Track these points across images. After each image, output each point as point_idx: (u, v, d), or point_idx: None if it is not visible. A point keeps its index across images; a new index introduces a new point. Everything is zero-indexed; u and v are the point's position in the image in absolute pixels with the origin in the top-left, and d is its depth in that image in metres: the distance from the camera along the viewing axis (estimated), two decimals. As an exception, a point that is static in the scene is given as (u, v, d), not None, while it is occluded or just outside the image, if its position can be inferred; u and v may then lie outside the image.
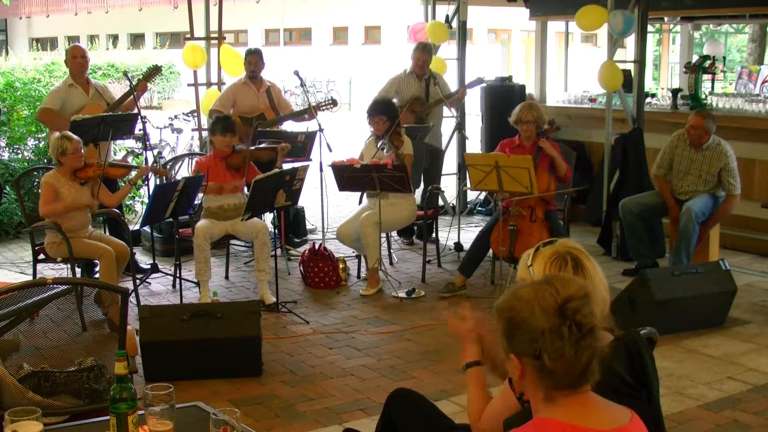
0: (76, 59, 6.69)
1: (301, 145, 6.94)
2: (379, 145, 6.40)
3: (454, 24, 8.73)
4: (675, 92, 8.53)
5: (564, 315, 1.78)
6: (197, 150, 8.99)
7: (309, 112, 7.21)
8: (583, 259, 2.38)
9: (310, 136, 6.96)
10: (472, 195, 9.09)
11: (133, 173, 6.24)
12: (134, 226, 7.63)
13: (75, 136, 5.60)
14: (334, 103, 7.48)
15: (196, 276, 5.88)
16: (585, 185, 7.76)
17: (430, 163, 7.68)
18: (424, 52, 7.70)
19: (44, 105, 6.72)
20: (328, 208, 7.16)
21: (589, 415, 1.83)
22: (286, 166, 6.22)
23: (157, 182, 7.22)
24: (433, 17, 8.83)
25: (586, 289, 1.85)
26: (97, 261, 5.67)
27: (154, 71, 6.99)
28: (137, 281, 6.06)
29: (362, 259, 6.59)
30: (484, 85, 8.57)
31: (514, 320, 1.82)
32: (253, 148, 6.30)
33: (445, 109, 8.03)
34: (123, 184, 6.74)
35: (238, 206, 6.01)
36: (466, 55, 8.88)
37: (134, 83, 6.70)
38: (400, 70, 7.85)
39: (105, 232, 6.33)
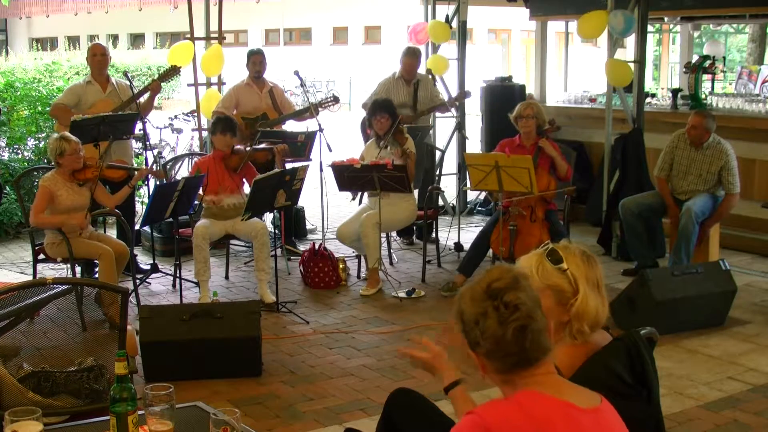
0: (96, 57, 6.71)
1: (301, 145, 6.94)
2: (381, 144, 6.40)
3: (454, 24, 8.73)
4: (675, 92, 8.54)
5: (491, 297, 1.89)
6: (197, 150, 8.99)
7: (310, 111, 7.21)
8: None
9: (310, 136, 6.96)
10: (472, 195, 9.09)
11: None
12: (134, 226, 7.61)
13: (73, 137, 5.59)
14: (336, 100, 7.46)
15: (196, 276, 5.88)
16: (584, 185, 7.78)
17: (430, 163, 7.69)
18: (413, 57, 7.69)
19: (58, 100, 6.77)
20: (328, 208, 7.16)
21: (564, 393, 1.91)
22: (286, 166, 6.23)
23: (157, 183, 7.22)
24: (433, 17, 8.83)
25: (514, 273, 1.96)
26: (97, 261, 5.67)
27: (172, 71, 6.99)
28: (137, 281, 6.06)
29: (362, 259, 6.59)
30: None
31: (459, 315, 1.96)
32: (249, 149, 6.31)
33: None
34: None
35: (237, 206, 6.01)
36: (466, 55, 8.88)
37: (136, 83, 6.72)
38: (388, 73, 7.85)
39: (105, 232, 6.34)
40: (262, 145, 6.53)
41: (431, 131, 8.05)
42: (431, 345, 2.61)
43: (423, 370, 2.64)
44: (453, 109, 8.19)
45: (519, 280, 1.93)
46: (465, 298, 1.95)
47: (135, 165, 7.11)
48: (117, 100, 6.65)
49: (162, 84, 6.85)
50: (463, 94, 8.16)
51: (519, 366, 1.91)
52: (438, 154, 8.02)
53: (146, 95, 6.71)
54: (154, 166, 8.03)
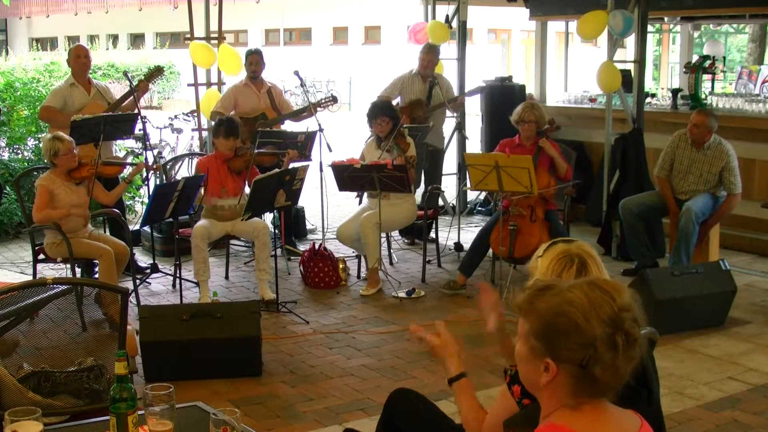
0: (80, 59, 6.70)
1: (301, 145, 6.94)
2: (382, 146, 6.39)
3: (454, 24, 8.73)
4: (675, 92, 8.54)
5: (616, 324, 1.72)
6: (197, 150, 8.99)
7: (309, 110, 7.21)
8: (590, 263, 2.38)
9: (310, 136, 6.96)
10: (472, 195, 9.09)
11: (128, 170, 6.24)
12: (134, 226, 7.63)
13: (67, 137, 5.58)
14: (334, 100, 7.46)
15: (195, 276, 5.88)
16: (580, 181, 7.77)
17: (431, 163, 7.69)
18: (431, 53, 7.70)
19: (46, 103, 6.74)
20: (328, 208, 7.16)
21: (602, 424, 1.80)
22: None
23: (157, 182, 7.23)
24: (433, 17, 8.83)
25: (635, 296, 1.80)
26: (97, 261, 5.67)
27: (156, 72, 6.99)
28: (137, 281, 6.06)
29: (362, 259, 6.59)
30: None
31: (564, 326, 1.73)
32: (257, 151, 6.28)
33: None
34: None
35: (238, 207, 6.00)
36: (466, 55, 8.87)
37: (135, 83, 6.71)
38: (405, 70, 7.85)
39: (105, 232, 6.34)
40: (269, 150, 6.50)
41: (435, 131, 8.03)
42: (444, 331, 2.57)
43: (430, 355, 2.57)
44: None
45: (639, 304, 1.79)
46: (581, 309, 1.72)
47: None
48: (103, 102, 6.65)
49: (149, 84, 6.85)
50: (474, 91, 8.17)
51: (596, 396, 1.78)
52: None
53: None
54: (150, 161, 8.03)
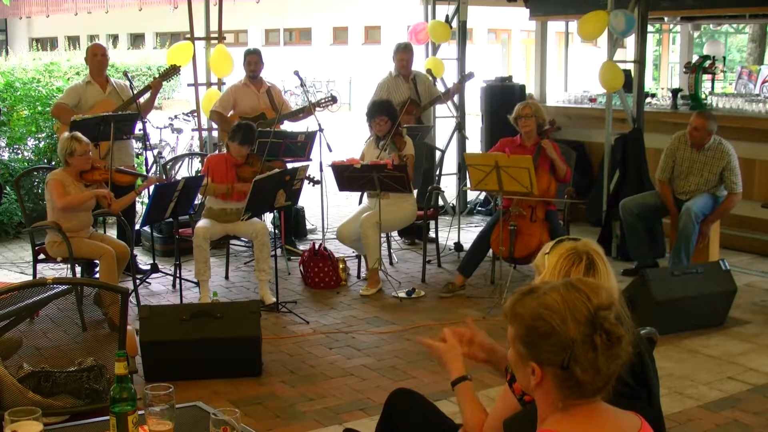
0: (97, 57, 6.73)
1: (301, 145, 6.93)
2: (380, 146, 6.40)
3: (454, 24, 8.72)
4: (675, 92, 8.53)
5: (594, 324, 1.72)
6: (197, 150, 8.99)
7: (307, 110, 7.20)
8: (597, 260, 2.37)
9: (310, 136, 6.96)
10: (472, 195, 9.09)
11: (140, 181, 6.24)
12: (134, 227, 7.61)
13: (84, 138, 5.60)
14: (333, 100, 7.45)
15: (196, 276, 5.89)
16: (585, 198, 7.79)
17: (430, 163, 7.69)
18: (407, 51, 7.68)
19: (59, 100, 6.78)
20: (328, 208, 7.16)
21: (595, 427, 1.79)
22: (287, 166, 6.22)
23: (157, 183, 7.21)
24: (433, 17, 8.82)
25: (614, 294, 1.80)
26: (97, 261, 5.67)
27: (172, 71, 7.00)
28: (137, 281, 6.06)
29: (362, 259, 6.59)
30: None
31: (542, 329, 1.74)
32: (263, 161, 6.28)
33: (442, 108, 8.01)
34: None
35: (240, 210, 6.00)
36: (466, 55, 8.87)
37: (143, 84, 6.72)
38: (385, 74, 7.84)
39: (105, 233, 6.34)
40: (278, 166, 6.50)
41: (432, 131, 8.03)
42: (449, 336, 2.58)
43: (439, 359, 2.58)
44: (453, 109, 8.18)
45: (619, 302, 1.80)
46: (557, 312, 1.73)
47: (135, 165, 7.10)
48: (117, 100, 6.66)
49: (162, 83, 6.86)
50: (465, 77, 8.13)
51: (593, 396, 1.78)
52: (438, 154, 8.02)
53: (147, 94, 6.72)
54: (155, 167, 8.03)
